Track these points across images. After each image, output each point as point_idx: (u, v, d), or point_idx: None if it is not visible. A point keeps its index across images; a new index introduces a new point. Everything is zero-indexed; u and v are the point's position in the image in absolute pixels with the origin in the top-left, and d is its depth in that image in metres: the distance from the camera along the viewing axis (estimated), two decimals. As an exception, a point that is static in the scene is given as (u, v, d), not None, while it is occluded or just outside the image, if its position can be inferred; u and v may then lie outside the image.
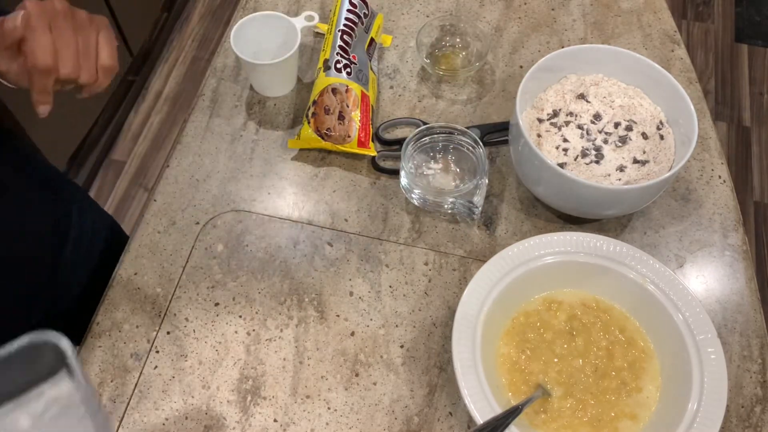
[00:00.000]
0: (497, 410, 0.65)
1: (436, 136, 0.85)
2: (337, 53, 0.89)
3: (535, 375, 0.71)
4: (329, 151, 0.90)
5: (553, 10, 1.05)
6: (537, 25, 1.03)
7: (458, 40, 0.98)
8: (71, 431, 0.61)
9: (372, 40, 0.96)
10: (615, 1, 1.06)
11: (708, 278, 0.82)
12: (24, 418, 0.60)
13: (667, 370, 0.71)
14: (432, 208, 0.85)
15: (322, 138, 0.87)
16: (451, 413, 0.73)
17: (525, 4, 1.06)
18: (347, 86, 0.87)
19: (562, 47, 0.95)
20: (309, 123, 0.87)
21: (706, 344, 0.69)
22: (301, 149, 0.90)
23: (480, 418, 0.64)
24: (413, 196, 0.84)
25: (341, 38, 0.91)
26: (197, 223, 0.84)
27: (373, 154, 0.88)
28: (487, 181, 0.83)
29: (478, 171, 0.82)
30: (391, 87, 0.96)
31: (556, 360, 0.72)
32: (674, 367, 0.70)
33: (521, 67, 0.99)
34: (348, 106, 0.86)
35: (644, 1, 1.06)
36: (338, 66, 0.88)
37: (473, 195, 0.82)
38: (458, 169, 0.85)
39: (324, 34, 0.96)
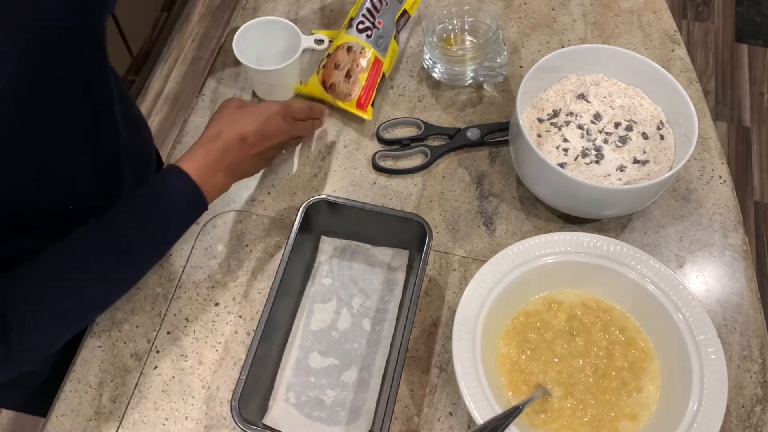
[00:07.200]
0: (497, 410, 0.65)
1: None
2: (363, 15, 0.91)
3: (535, 375, 0.71)
4: (329, 151, 0.90)
5: (553, 10, 1.05)
6: (537, 25, 1.03)
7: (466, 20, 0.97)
8: None
9: (405, 11, 0.96)
10: (615, 1, 1.06)
11: (708, 278, 0.82)
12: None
13: (667, 370, 0.71)
14: (455, 80, 0.90)
15: (326, 90, 0.89)
16: (451, 413, 0.73)
17: (525, 4, 1.06)
18: (363, 47, 0.89)
19: (562, 47, 0.95)
20: (318, 73, 0.90)
21: (706, 344, 0.69)
22: (300, 148, 0.90)
23: (480, 418, 0.64)
24: (436, 70, 0.90)
25: (371, 1, 0.92)
26: (197, 223, 0.84)
27: (368, 118, 0.90)
28: (503, 38, 0.89)
29: (494, 31, 0.88)
30: (391, 87, 0.96)
31: (556, 360, 0.72)
32: (674, 367, 0.70)
33: (521, 67, 0.99)
34: (358, 67, 0.88)
35: (644, 1, 1.06)
36: (360, 27, 0.90)
37: (495, 55, 0.86)
38: (477, 41, 0.91)
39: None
